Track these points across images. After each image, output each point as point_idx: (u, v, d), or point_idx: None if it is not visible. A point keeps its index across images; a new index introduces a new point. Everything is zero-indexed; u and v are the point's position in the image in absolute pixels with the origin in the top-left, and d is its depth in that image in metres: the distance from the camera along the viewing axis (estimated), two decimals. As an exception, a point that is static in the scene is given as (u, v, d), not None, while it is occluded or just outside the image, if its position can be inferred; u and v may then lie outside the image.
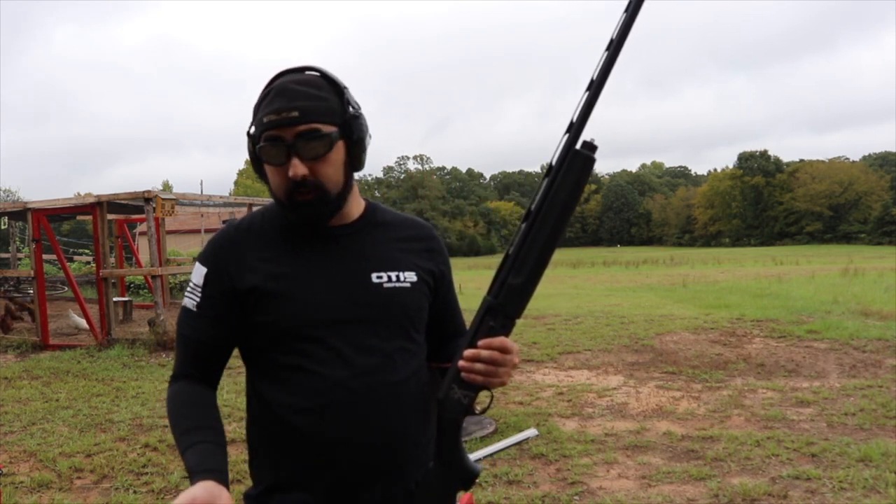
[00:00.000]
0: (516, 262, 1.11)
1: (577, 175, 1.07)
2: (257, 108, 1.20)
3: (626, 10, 1.04)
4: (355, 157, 1.23)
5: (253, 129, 1.22)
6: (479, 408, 1.19)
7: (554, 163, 1.08)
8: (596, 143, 1.06)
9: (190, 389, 1.25)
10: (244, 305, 1.23)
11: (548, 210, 1.08)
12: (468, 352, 1.13)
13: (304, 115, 1.15)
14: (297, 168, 1.15)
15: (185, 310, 1.27)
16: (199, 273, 1.26)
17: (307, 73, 1.22)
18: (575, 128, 1.07)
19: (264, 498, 1.25)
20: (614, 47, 1.04)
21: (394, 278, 1.25)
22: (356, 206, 1.29)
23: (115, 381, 6.73)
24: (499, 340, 1.12)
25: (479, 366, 1.12)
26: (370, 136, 1.26)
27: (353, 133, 1.21)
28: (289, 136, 1.15)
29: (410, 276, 1.27)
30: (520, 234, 1.10)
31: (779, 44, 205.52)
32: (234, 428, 5.01)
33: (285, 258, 1.24)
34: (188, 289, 1.27)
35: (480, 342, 1.12)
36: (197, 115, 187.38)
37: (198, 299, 1.25)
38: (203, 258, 1.27)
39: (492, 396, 1.22)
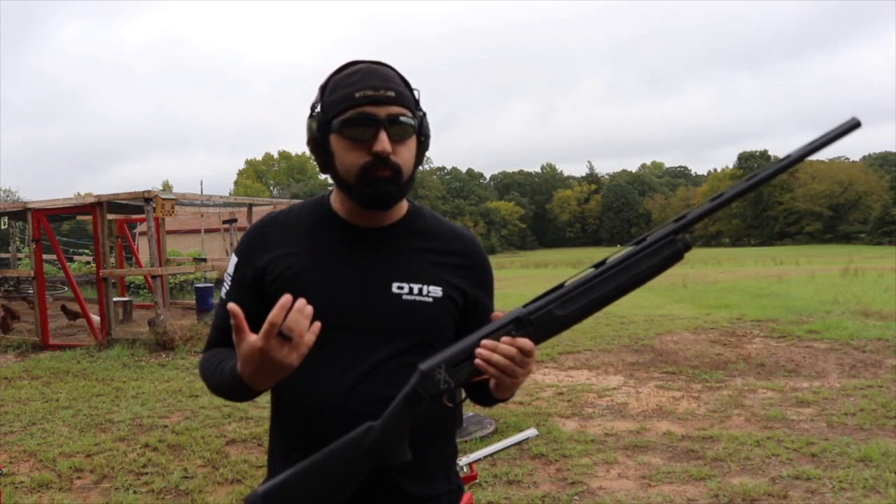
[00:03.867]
0: (569, 296, 1.09)
1: (663, 259, 1.09)
2: (335, 86, 1.19)
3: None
4: (421, 154, 1.24)
5: (320, 108, 1.20)
6: (447, 401, 1.12)
7: (651, 238, 1.09)
8: (692, 245, 1.10)
9: (221, 349, 1.26)
10: (265, 298, 1.21)
11: (621, 271, 1.09)
12: (488, 341, 1.07)
13: (398, 97, 1.17)
14: (385, 144, 1.14)
15: (220, 298, 1.31)
16: (232, 263, 1.29)
17: (386, 66, 1.22)
18: (685, 222, 1.09)
19: None
20: (755, 182, 1.05)
21: (416, 291, 1.21)
22: (398, 208, 1.27)
23: (115, 381, 6.73)
24: (524, 342, 1.07)
25: (497, 357, 1.06)
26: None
27: (423, 130, 1.23)
28: (382, 114, 1.15)
29: (435, 291, 1.22)
30: (584, 276, 1.10)
31: (781, 42, 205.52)
32: (234, 428, 5.01)
33: (310, 256, 1.23)
34: (224, 279, 1.31)
35: (505, 338, 1.07)
36: (199, 115, 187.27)
37: (228, 287, 1.27)
38: (237, 249, 1.31)
39: (463, 396, 1.19)
